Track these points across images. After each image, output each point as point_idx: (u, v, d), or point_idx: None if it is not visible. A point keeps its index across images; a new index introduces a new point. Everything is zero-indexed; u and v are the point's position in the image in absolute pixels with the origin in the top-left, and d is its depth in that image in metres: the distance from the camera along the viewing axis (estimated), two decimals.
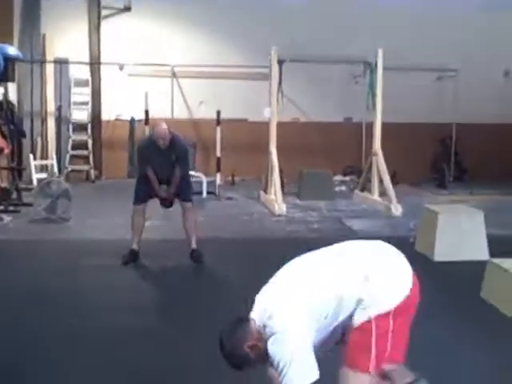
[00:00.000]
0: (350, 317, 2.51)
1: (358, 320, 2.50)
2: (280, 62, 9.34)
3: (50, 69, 11.90)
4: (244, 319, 2.61)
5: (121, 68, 11.97)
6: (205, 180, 10.05)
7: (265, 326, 2.52)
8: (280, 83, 9.48)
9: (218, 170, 10.23)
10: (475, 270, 5.48)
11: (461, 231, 6.21)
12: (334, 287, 2.54)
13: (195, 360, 3.81)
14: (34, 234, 7.45)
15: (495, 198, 10.08)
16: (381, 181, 9.49)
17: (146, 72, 11.74)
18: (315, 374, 2.45)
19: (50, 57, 11.87)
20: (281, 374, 2.45)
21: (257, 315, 2.58)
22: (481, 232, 6.24)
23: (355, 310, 2.50)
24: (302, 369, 2.44)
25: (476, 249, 6.14)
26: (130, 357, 3.86)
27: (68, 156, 11.93)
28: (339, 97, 12.11)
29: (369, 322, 2.47)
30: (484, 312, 4.76)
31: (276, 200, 8.89)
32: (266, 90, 11.38)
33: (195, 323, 4.48)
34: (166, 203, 6.25)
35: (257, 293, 2.70)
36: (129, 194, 9.80)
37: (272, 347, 2.47)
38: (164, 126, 5.93)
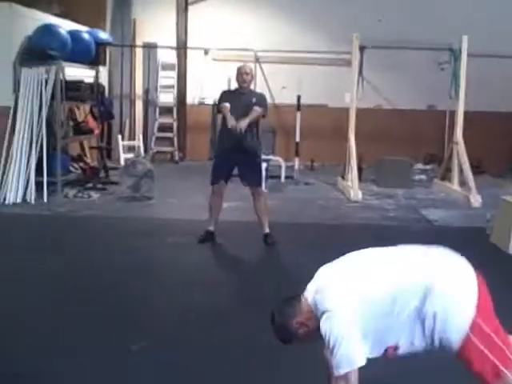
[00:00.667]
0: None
1: (456, 343, 2.52)
2: (361, 49, 9.31)
3: (139, 53, 12.36)
4: (296, 296, 2.75)
5: (206, 52, 12.24)
6: (283, 164, 10.20)
7: (316, 304, 2.64)
8: (361, 70, 9.46)
9: (297, 154, 10.34)
10: None
11: None
12: (393, 290, 2.57)
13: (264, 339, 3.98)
14: (118, 210, 7.85)
15: None
16: (461, 170, 9.33)
17: (230, 57, 11.95)
18: (364, 357, 2.54)
19: (139, 41, 12.31)
20: (332, 352, 2.54)
21: (310, 293, 2.71)
22: None
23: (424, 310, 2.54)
24: (354, 348, 2.52)
25: None
26: (201, 333, 4.05)
27: (154, 138, 12.38)
28: (423, 84, 11.89)
29: (468, 339, 2.50)
30: None
31: (352, 186, 8.93)
32: (347, 76, 11.41)
33: (264, 303, 4.64)
34: (237, 136, 6.00)
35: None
36: (209, 175, 10.21)
37: (324, 325, 2.57)
38: (248, 66, 6.19)
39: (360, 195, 8.69)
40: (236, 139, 5.99)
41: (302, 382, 3.43)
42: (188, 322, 4.23)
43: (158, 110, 12.46)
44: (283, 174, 10.19)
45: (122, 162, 11.41)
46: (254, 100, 6.10)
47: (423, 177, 10.97)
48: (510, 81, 11.73)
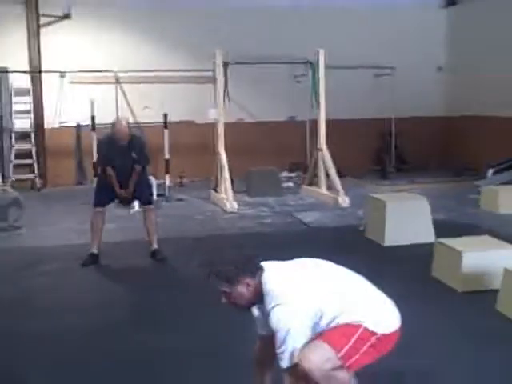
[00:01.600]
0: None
1: (349, 319, 2.71)
2: (225, 65, 9.53)
3: None
4: (261, 267, 2.83)
5: (62, 76, 11.89)
6: (154, 182, 10.10)
7: (269, 290, 2.72)
8: (226, 85, 9.67)
9: (167, 172, 10.32)
10: (425, 251, 5.83)
11: (408, 217, 6.56)
12: (340, 297, 2.76)
13: (165, 355, 3.97)
14: None
15: (434, 186, 10.57)
16: (327, 175, 9.81)
17: (89, 79, 11.70)
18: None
19: None
20: (282, 342, 2.64)
21: (269, 275, 2.78)
22: (426, 216, 6.61)
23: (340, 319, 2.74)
24: (302, 342, 2.65)
25: (423, 232, 6.49)
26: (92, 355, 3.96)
27: (11, 165, 11.76)
28: (282, 96, 12.38)
29: (359, 325, 2.70)
30: (437, 288, 5.08)
31: (227, 198, 9.07)
32: (210, 92, 11.60)
33: (164, 318, 4.63)
34: (125, 201, 6.33)
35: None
36: (78, 200, 9.92)
37: (278, 315, 2.65)
38: (124, 123, 6.05)
39: (236, 205, 8.85)
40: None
41: None
42: (70, 343, 4.12)
43: (13, 136, 11.86)
44: (155, 192, 10.09)
45: None
46: (134, 155, 6.08)
47: (291, 184, 11.40)
48: (366, 89, 12.57)
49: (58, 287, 5.55)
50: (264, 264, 2.87)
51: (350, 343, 2.68)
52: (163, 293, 5.22)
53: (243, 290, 2.78)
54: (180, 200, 10.14)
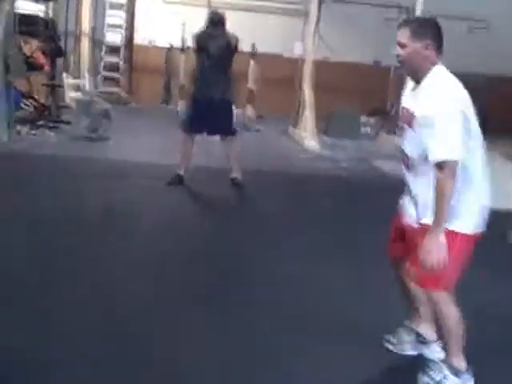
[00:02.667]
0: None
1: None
2: (320, 2, 9.44)
3: None
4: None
5: None
6: (236, 112, 10.26)
7: (434, 77, 2.69)
8: (318, 23, 9.62)
9: (249, 102, 10.47)
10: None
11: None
12: None
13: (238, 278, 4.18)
14: (78, 150, 7.73)
15: None
16: None
17: (182, 0, 11.81)
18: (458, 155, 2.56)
19: None
20: (435, 132, 2.54)
21: (441, 69, 2.73)
22: None
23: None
24: (458, 141, 2.55)
25: None
26: (174, 275, 4.04)
27: (100, 77, 12.13)
28: (371, 39, 12.20)
29: (454, 233, 2.66)
30: None
31: (306, 136, 9.18)
32: (300, 26, 11.52)
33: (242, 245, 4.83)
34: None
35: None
36: (163, 119, 10.21)
37: (433, 108, 2.58)
38: (220, 13, 6.31)
39: (315, 145, 8.96)
40: (214, 83, 6.15)
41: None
42: (175, 265, 4.20)
43: (104, 48, 12.18)
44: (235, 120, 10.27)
45: (68, 101, 11.17)
46: (227, 41, 6.22)
47: (368, 129, 11.38)
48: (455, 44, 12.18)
49: (144, 204, 5.77)
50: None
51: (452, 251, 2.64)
52: (242, 224, 5.32)
53: (421, 49, 2.67)
54: (258, 131, 10.30)
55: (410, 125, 2.74)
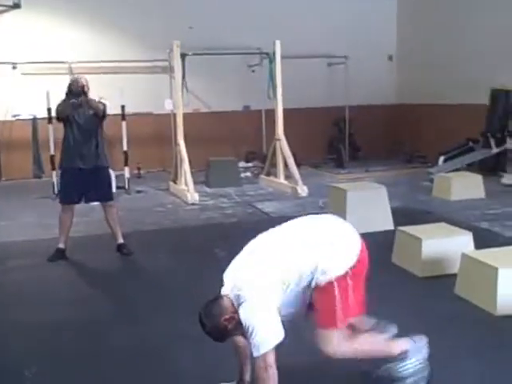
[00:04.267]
0: (312, 283, 2.90)
1: (321, 283, 2.89)
2: (182, 56, 9.57)
3: None
4: (217, 297, 2.94)
5: (14, 67, 11.70)
6: (113, 174, 10.09)
7: (236, 298, 2.86)
8: (184, 77, 9.73)
9: (126, 164, 10.32)
10: (383, 238, 6.09)
11: (367, 205, 6.80)
12: (293, 260, 2.92)
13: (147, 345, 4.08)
14: None
15: (387, 174, 10.91)
16: (285, 164, 10.00)
17: (42, 70, 11.56)
18: (280, 335, 2.82)
19: None
20: (250, 337, 2.80)
21: (228, 289, 2.92)
22: (385, 205, 6.87)
23: (314, 276, 2.89)
24: (269, 331, 2.80)
25: (382, 220, 6.75)
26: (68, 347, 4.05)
27: None
28: (237, 86, 12.51)
29: (331, 283, 2.89)
30: (398, 274, 5.33)
31: (188, 189, 9.16)
32: (166, 82, 11.64)
33: (139, 310, 4.73)
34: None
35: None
36: (36, 193, 9.86)
37: (242, 315, 2.82)
38: (80, 77, 6.14)
39: (197, 197, 8.95)
40: (84, 151, 6.00)
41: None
42: (57, 339, 4.17)
43: None
44: (114, 184, 10.08)
45: None
46: (91, 112, 6.05)
47: (248, 174, 11.55)
48: (319, 79, 12.83)
49: (28, 283, 5.54)
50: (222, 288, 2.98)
51: (338, 303, 2.88)
52: (134, 286, 5.31)
53: (233, 326, 2.86)
54: (140, 192, 10.17)
55: None
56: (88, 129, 6.08)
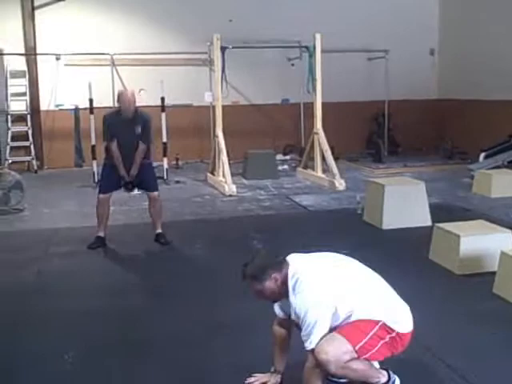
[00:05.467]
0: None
1: (369, 315, 2.90)
2: (222, 49, 9.62)
3: None
4: (284, 259, 3.02)
5: (58, 58, 11.93)
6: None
7: (296, 279, 2.91)
8: (223, 69, 9.78)
9: (165, 154, 10.43)
10: (421, 234, 6.06)
11: (405, 201, 6.75)
12: (357, 297, 2.94)
13: (184, 331, 4.14)
14: None
15: (426, 170, 10.80)
16: (323, 158, 9.99)
17: (85, 61, 11.76)
18: None
19: None
20: (306, 329, 2.84)
21: (294, 267, 2.97)
22: (423, 200, 6.81)
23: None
24: (325, 328, 2.86)
25: (419, 216, 6.70)
26: (113, 336, 4.11)
27: (8, 147, 11.83)
28: (276, 79, 12.51)
29: (376, 322, 2.89)
30: (435, 271, 5.29)
31: (226, 181, 9.22)
32: (206, 74, 11.71)
33: (177, 299, 4.79)
34: (129, 187, 6.39)
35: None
36: (76, 182, 10.05)
37: (303, 301, 2.85)
38: (130, 93, 6.07)
39: (235, 189, 9.00)
40: (129, 156, 6.15)
41: None
42: (96, 327, 4.24)
43: (9, 118, 11.91)
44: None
45: None
46: (138, 130, 6.11)
47: (286, 167, 11.57)
48: (359, 73, 12.75)
49: (69, 270, 5.66)
50: (289, 257, 3.04)
51: (367, 338, 2.86)
52: (171, 275, 5.39)
53: (272, 285, 2.96)
54: (178, 182, 10.28)
55: (297, 326, 2.97)
56: (134, 144, 6.14)
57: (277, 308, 3.15)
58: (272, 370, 3.27)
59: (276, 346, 3.23)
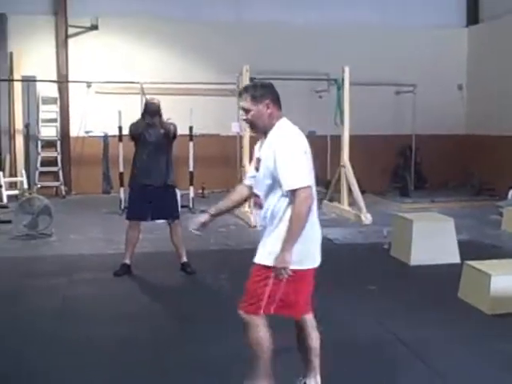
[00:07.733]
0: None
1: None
2: (251, 80, 9.68)
3: (17, 86, 11.96)
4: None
5: (88, 85, 12.14)
6: (179, 193, 10.26)
7: (279, 127, 3.21)
8: None
9: (191, 183, 10.48)
10: (450, 272, 5.96)
11: (434, 237, 6.67)
12: None
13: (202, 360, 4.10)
14: (19, 250, 7.55)
15: (454, 205, 10.69)
16: (349, 191, 9.94)
17: (115, 89, 11.94)
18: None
19: (17, 75, 11.94)
20: (287, 169, 3.07)
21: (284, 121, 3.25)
22: (452, 237, 6.72)
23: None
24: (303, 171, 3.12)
25: (448, 253, 6.61)
26: (134, 363, 4.10)
27: (37, 172, 11.99)
28: (303, 111, 12.52)
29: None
30: (465, 310, 5.18)
31: (251, 211, 9.21)
32: (233, 105, 11.76)
33: (205, 327, 4.76)
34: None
35: None
36: (103, 208, 10.12)
37: (285, 141, 3.12)
38: (155, 99, 6.33)
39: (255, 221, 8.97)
40: (154, 170, 6.16)
41: None
42: (125, 354, 4.24)
43: (40, 143, 12.10)
44: (179, 204, 10.25)
45: (5, 200, 10.96)
46: (162, 131, 6.23)
47: None
48: (387, 106, 12.77)
49: (94, 297, 5.68)
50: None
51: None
52: (196, 305, 5.37)
53: (263, 110, 3.17)
54: (204, 212, 10.24)
55: (257, 169, 3.26)
56: (159, 148, 6.23)
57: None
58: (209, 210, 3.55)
59: (229, 197, 3.63)
